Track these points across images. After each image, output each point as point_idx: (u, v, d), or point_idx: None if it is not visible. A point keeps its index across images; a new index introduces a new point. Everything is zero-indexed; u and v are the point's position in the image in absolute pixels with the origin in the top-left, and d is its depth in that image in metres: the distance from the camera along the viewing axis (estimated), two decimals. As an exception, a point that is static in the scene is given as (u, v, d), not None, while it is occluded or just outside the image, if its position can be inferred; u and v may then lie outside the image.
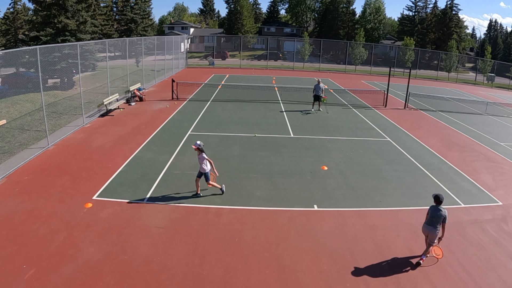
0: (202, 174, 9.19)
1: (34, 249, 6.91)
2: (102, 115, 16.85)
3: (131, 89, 20.45)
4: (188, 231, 7.82)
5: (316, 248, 7.47)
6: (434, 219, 6.99)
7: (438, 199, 7.06)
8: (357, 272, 6.79)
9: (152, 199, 9.09)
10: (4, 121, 11.72)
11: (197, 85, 25.62)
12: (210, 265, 6.78)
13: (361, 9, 69.08)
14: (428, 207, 7.24)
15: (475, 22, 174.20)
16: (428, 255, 7.21)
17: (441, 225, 7.00)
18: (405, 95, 22.86)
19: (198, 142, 9.15)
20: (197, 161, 11.66)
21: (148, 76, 26.81)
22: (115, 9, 50.04)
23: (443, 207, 7.03)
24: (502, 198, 10.35)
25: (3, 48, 39.70)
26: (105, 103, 16.94)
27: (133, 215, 8.35)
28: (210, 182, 9.30)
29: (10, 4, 45.72)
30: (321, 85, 19.51)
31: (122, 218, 8.20)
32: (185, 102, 20.46)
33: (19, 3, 46.38)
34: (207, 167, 9.13)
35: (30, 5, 42.23)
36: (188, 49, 51.90)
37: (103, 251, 6.99)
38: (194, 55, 54.85)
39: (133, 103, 19.58)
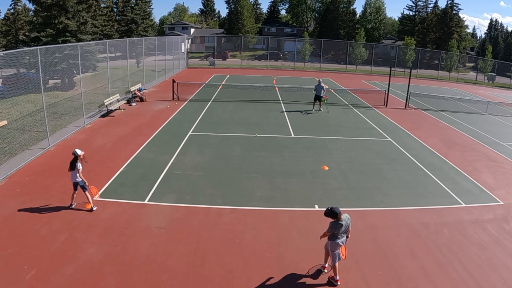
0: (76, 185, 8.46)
1: (35, 249, 6.92)
2: (103, 116, 16.86)
3: (131, 90, 20.47)
4: (189, 232, 7.83)
5: (317, 248, 7.45)
6: (342, 234, 6.28)
7: (332, 213, 6.07)
8: (358, 272, 6.79)
9: (153, 200, 9.09)
10: (4, 122, 11.75)
11: (198, 85, 25.63)
12: (211, 265, 6.78)
13: (362, 9, 69.02)
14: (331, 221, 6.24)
15: (475, 22, 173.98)
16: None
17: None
18: (405, 95, 22.85)
19: (76, 150, 8.39)
20: (197, 161, 11.73)
21: (149, 77, 26.83)
22: (115, 9, 50.16)
23: (341, 217, 6.17)
24: (503, 198, 10.34)
25: (3, 49, 39.79)
26: (105, 104, 16.95)
27: (134, 215, 8.36)
28: (87, 193, 8.53)
29: (10, 5, 45.94)
30: (322, 85, 19.52)
31: (123, 218, 8.20)
32: (186, 102, 20.47)
33: (19, 4, 46.56)
34: (78, 177, 8.35)
35: (31, 6, 42.22)
36: (188, 50, 51.94)
37: (104, 251, 7.00)
38: (194, 56, 54.86)
39: (133, 104, 19.60)
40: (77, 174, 8.35)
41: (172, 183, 10.10)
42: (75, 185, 8.52)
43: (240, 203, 9.17)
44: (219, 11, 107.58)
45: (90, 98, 19.83)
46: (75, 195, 8.65)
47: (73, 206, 8.65)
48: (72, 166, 8.34)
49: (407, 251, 7.52)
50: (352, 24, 64.53)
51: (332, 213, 6.09)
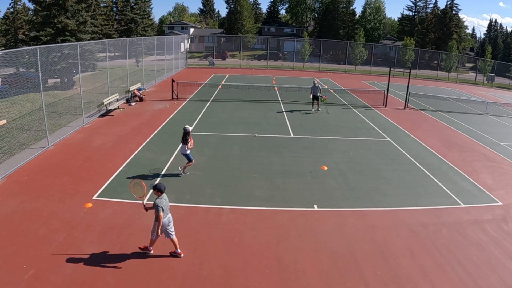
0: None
1: (34, 249, 6.91)
2: (102, 115, 16.85)
3: (131, 89, 20.45)
4: (188, 231, 7.82)
5: (316, 248, 7.47)
6: (168, 210, 6.75)
7: (161, 187, 6.61)
8: (357, 272, 6.79)
9: (152, 199, 9.06)
10: (4, 121, 11.72)
11: (197, 85, 25.62)
12: (210, 265, 6.78)
13: (361, 9, 69.20)
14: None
15: (475, 22, 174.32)
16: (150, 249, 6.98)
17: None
18: (405, 95, 22.86)
19: (186, 126, 10.42)
20: (197, 161, 11.69)
21: (148, 76, 26.81)
22: (115, 9, 50.05)
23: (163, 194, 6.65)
24: (502, 198, 10.35)
25: (3, 48, 39.69)
26: (105, 103, 16.93)
27: (133, 215, 8.35)
28: (190, 163, 10.50)
29: (10, 4, 45.76)
30: (318, 85, 19.63)
31: (122, 218, 8.19)
32: (185, 102, 20.46)
33: (19, 3, 46.39)
34: (187, 149, 10.27)
35: (30, 5, 42.10)
36: (188, 49, 51.90)
37: (103, 251, 6.99)
38: (194, 55, 54.84)
39: (133, 103, 19.58)
40: (186, 147, 10.13)
41: (171, 182, 10.09)
42: (186, 156, 10.33)
43: (239, 203, 9.17)
44: (218, 11, 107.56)
45: (90, 97, 19.81)
46: (191, 163, 10.46)
47: (186, 173, 10.55)
48: (184, 140, 10.14)
49: (406, 251, 7.52)
50: (352, 24, 64.55)
51: (160, 188, 6.64)
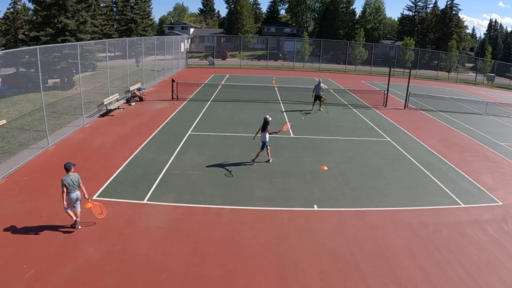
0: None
1: (34, 249, 6.91)
2: (102, 115, 16.85)
3: (131, 89, 20.45)
4: (188, 231, 7.82)
5: (316, 248, 7.47)
6: (73, 188, 7.52)
7: (67, 166, 7.49)
8: (357, 272, 6.79)
9: (152, 199, 9.09)
10: (4, 121, 11.72)
11: (197, 85, 25.62)
12: (210, 265, 6.78)
13: (361, 9, 69.21)
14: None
15: (475, 22, 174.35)
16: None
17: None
18: (405, 95, 22.86)
19: (266, 115, 11.46)
20: (197, 161, 11.73)
21: (148, 76, 26.81)
22: (115, 9, 50.10)
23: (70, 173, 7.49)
24: (502, 198, 10.36)
25: (3, 48, 39.68)
26: (105, 103, 16.94)
27: (133, 215, 8.35)
28: (268, 150, 11.74)
29: (10, 4, 45.77)
30: (322, 85, 19.53)
31: (122, 218, 8.19)
32: (185, 102, 20.46)
33: (19, 3, 46.40)
34: (267, 137, 11.32)
35: (30, 5, 42.22)
36: (188, 49, 51.89)
37: (103, 251, 6.99)
38: (194, 55, 54.83)
39: (133, 103, 19.58)
40: (266, 135, 11.18)
41: (171, 182, 10.10)
42: (263, 144, 11.32)
43: (239, 203, 9.17)
44: (218, 11, 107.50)
45: (90, 97, 19.81)
46: (260, 154, 11.49)
47: (254, 164, 11.50)
48: (264, 128, 11.18)
49: (406, 251, 7.53)
50: (352, 24, 64.58)
51: (66, 167, 7.48)
